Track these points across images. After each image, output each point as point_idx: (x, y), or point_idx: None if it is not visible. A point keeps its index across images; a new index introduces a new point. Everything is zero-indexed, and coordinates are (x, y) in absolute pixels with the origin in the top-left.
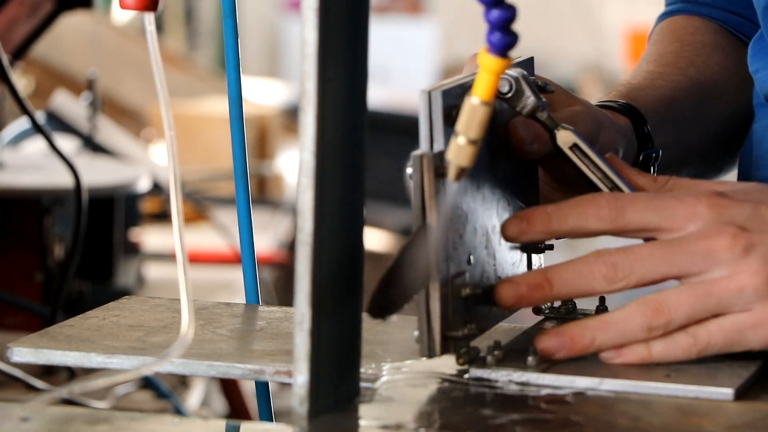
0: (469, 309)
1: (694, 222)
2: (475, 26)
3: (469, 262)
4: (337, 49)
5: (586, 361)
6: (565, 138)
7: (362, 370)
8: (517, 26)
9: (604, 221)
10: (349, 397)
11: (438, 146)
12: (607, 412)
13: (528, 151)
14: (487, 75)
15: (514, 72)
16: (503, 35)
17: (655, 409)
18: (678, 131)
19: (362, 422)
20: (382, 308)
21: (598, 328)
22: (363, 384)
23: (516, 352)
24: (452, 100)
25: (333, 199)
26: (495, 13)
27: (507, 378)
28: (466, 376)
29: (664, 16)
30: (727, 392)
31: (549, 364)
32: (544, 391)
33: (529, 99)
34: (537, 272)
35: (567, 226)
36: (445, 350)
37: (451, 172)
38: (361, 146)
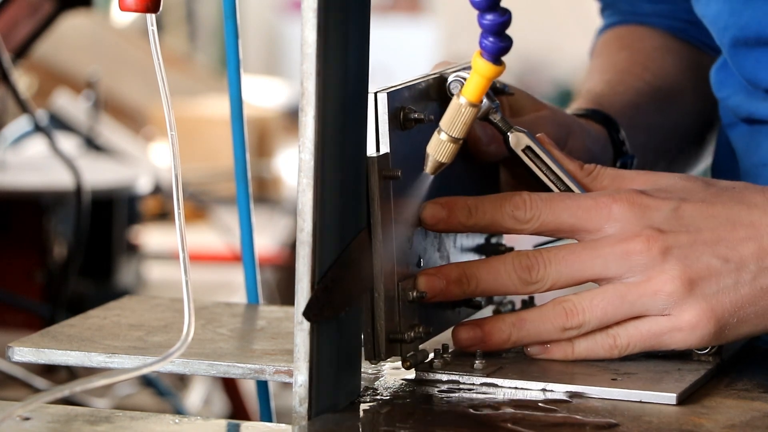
0: (418, 312)
1: (611, 223)
2: (475, 26)
3: (418, 264)
4: (336, 49)
5: (533, 365)
6: (517, 140)
7: (362, 370)
8: (514, 26)
9: (519, 221)
10: (349, 397)
11: (384, 148)
12: (606, 411)
13: (485, 152)
14: (478, 78)
15: (465, 74)
16: (497, 40)
17: (654, 408)
18: (648, 135)
19: (362, 422)
20: (319, 311)
21: (515, 324)
22: (363, 384)
23: (465, 356)
24: (399, 102)
25: (333, 199)
26: (489, 18)
27: (451, 381)
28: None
29: (604, 29)
30: (670, 396)
31: (496, 367)
32: (542, 395)
33: (482, 101)
34: (456, 267)
35: (484, 222)
36: (390, 353)
37: (429, 166)
38: (361, 146)
